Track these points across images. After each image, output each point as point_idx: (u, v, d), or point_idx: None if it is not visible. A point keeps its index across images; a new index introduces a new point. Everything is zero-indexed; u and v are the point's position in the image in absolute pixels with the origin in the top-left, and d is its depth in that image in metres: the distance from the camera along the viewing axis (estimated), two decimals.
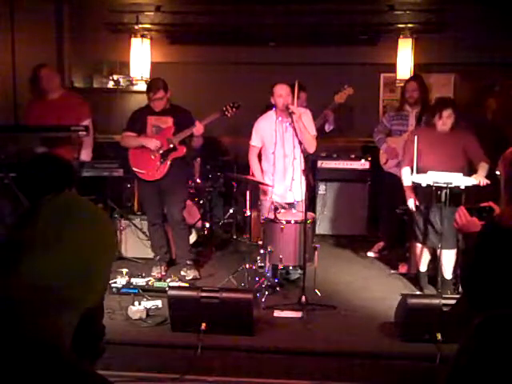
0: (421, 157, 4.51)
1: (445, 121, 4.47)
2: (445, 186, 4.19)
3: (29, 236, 1.08)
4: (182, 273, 4.99)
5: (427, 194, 4.37)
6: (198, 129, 4.73)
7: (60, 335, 1.06)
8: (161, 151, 4.81)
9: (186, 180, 5.35)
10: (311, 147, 4.64)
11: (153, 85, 4.86)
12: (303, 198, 4.51)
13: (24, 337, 1.01)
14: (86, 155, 5.14)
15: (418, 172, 4.50)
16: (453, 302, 3.61)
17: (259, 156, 4.93)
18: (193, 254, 5.21)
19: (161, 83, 4.82)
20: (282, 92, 4.56)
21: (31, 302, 1.03)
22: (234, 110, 4.78)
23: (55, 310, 1.06)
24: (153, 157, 4.82)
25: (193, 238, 5.72)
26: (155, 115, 4.86)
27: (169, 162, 4.81)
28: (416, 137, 4.55)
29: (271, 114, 4.78)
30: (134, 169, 4.92)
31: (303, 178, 4.61)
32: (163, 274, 4.92)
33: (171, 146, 4.79)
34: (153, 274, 4.89)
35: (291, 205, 4.77)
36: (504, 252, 2.01)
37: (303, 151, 4.42)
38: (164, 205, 5.01)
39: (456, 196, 4.18)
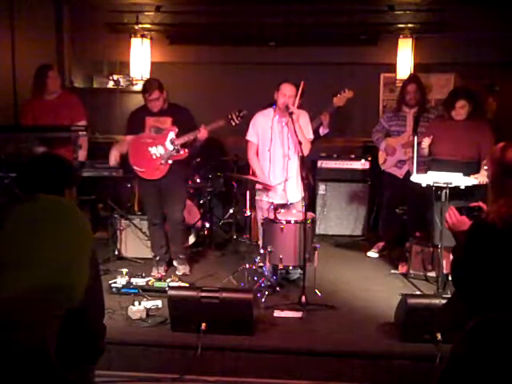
0: (435, 143, 4.67)
1: (458, 111, 4.61)
2: (445, 185, 4.21)
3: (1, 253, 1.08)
4: (175, 263, 5.04)
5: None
6: (203, 134, 4.74)
7: (46, 341, 1.06)
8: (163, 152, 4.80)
9: (185, 180, 5.35)
10: (305, 150, 4.63)
11: (148, 85, 4.84)
12: (302, 196, 4.50)
13: (13, 346, 1.01)
14: (81, 155, 5.13)
15: (432, 158, 4.66)
16: None
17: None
18: (186, 250, 5.22)
19: (156, 83, 4.81)
20: (286, 92, 4.58)
21: (13, 314, 1.03)
22: (239, 118, 4.78)
23: (37, 318, 1.06)
24: (154, 156, 4.81)
25: (192, 238, 5.72)
26: (154, 116, 4.84)
27: (170, 163, 4.81)
28: (417, 136, 4.69)
29: (270, 111, 4.79)
30: (134, 166, 4.91)
31: (299, 179, 4.61)
32: (163, 274, 4.93)
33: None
34: (153, 274, 4.89)
35: (285, 206, 4.77)
36: (491, 248, 2.07)
37: (299, 152, 4.43)
38: (164, 205, 5.01)
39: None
